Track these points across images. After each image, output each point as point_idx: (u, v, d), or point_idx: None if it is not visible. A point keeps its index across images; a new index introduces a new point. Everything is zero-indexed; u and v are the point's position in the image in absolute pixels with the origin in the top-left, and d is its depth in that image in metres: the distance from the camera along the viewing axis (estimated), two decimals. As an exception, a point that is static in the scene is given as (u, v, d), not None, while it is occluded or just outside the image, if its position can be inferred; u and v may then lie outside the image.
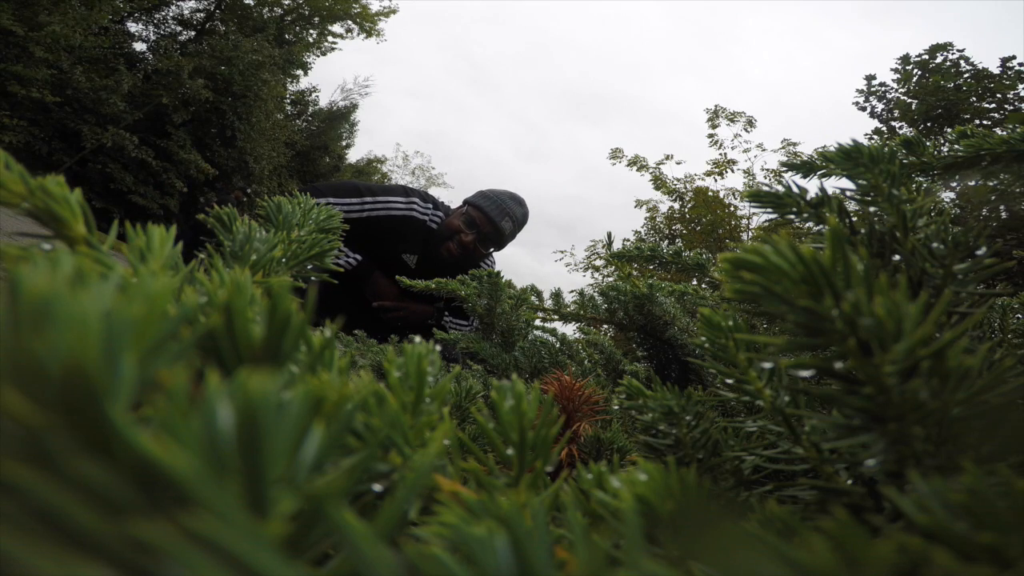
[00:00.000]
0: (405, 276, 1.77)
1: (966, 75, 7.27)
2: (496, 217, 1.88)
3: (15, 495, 0.09)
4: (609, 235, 1.19)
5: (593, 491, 0.20)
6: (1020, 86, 6.94)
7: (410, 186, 2.07)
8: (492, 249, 1.99)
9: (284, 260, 0.34)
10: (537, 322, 1.17)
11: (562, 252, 11.01)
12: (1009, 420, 0.18)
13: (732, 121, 9.95)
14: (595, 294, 1.11)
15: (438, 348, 0.25)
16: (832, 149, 0.37)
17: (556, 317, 1.15)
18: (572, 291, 1.15)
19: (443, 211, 2.01)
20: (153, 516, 0.10)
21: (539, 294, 1.16)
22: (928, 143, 0.48)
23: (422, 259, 1.98)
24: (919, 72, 7.69)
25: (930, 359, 0.18)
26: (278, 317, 0.18)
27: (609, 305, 1.06)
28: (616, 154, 10.24)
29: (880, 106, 8.33)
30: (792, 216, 0.38)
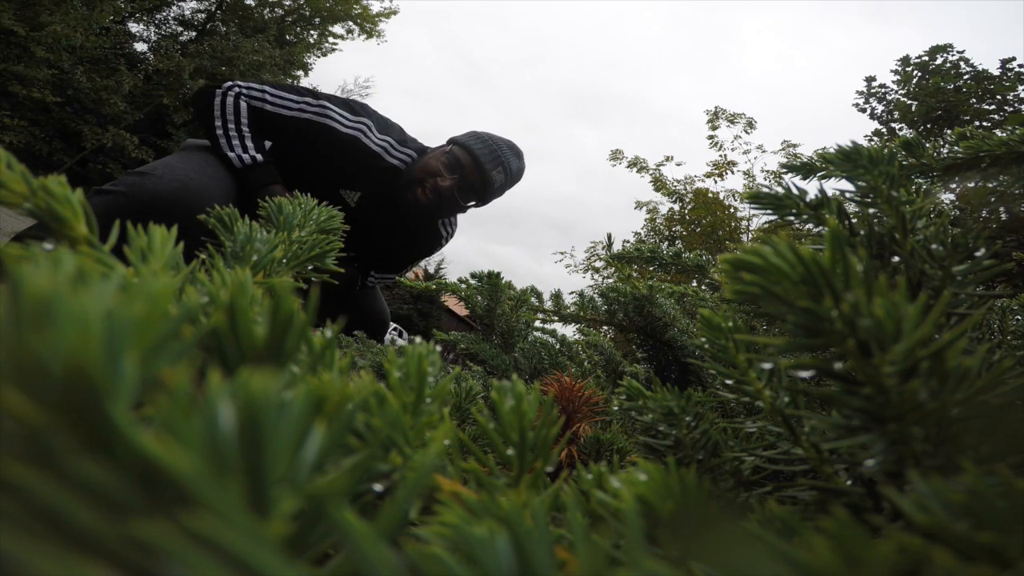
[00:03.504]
0: (346, 214, 1.46)
1: (966, 76, 7.28)
2: (487, 164, 1.46)
3: (16, 495, 0.09)
4: (609, 236, 1.19)
5: (593, 491, 0.20)
6: (1020, 88, 6.95)
7: (378, 112, 1.52)
8: (472, 203, 1.56)
9: (285, 261, 0.34)
10: (537, 323, 1.17)
11: (562, 253, 11.06)
12: (1008, 420, 0.18)
13: (732, 123, 9.97)
14: (595, 295, 1.11)
15: (438, 349, 0.25)
16: (832, 151, 0.37)
17: (556, 318, 1.15)
18: (572, 292, 1.15)
19: (419, 153, 1.57)
20: (154, 516, 0.10)
21: (539, 295, 1.16)
22: (928, 145, 0.48)
23: (367, 198, 1.55)
24: (919, 73, 7.70)
25: (929, 360, 0.18)
26: (280, 317, 0.18)
27: (609, 306, 1.06)
28: (616, 155, 10.27)
29: (880, 107, 8.35)
30: (792, 218, 0.38)
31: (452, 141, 1.55)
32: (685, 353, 0.93)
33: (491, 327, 1.06)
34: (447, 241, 1.78)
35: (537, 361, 0.97)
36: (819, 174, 0.45)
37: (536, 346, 1.00)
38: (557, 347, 1.04)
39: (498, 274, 1.09)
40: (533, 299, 1.13)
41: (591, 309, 1.09)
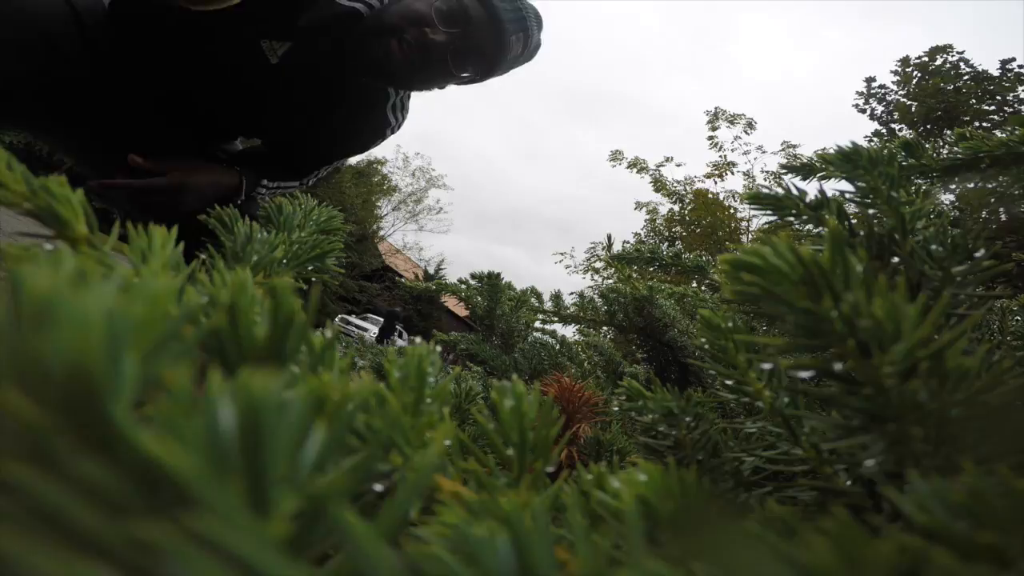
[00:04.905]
0: (256, 76, 0.99)
1: (966, 77, 7.29)
2: (508, 24, 0.97)
3: (17, 495, 0.09)
4: (609, 237, 1.20)
5: (593, 492, 0.20)
6: (1020, 88, 6.95)
7: None
8: (469, 74, 1.04)
9: (285, 261, 0.34)
10: (537, 324, 1.17)
11: (562, 254, 11.09)
12: (1008, 420, 0.18)
13: (732, 123, 10.00)
14: (595, 296, 1.12)
15: (438, 349, 0.25)
16: (831, 151, 0.37)
17: (556, 319, 1.15)
18: (572, 293, 1.15)
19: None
20: (155, 516, 0.10)
21: (539, 296, 1.16)
22: (927, 145, 0.48)
23: (298, 53, 1.01)
24: (919, 74, 7.71)
25: (929, 360, 0.18)
26: (281, 317, 0.18)
27: (609, 307, 1.06)
28: (616, 156, 10.29)
29: (880, 108, 8.36)
30: (792, 218, 0.38)
31: None
32: (685, 354, 0.93)
33: (491, 328, 1.06)
34: (392, 132, 1.20)
35: (537, 362, 0.97)
36: (819, 175, 0.45)
37: (536, 347, 1.00)
38: (557, 348, 1.04)
39: (498, 275, 1.09)
40: (533, 300, 1.13)
41: (591, 310, 1.09)
